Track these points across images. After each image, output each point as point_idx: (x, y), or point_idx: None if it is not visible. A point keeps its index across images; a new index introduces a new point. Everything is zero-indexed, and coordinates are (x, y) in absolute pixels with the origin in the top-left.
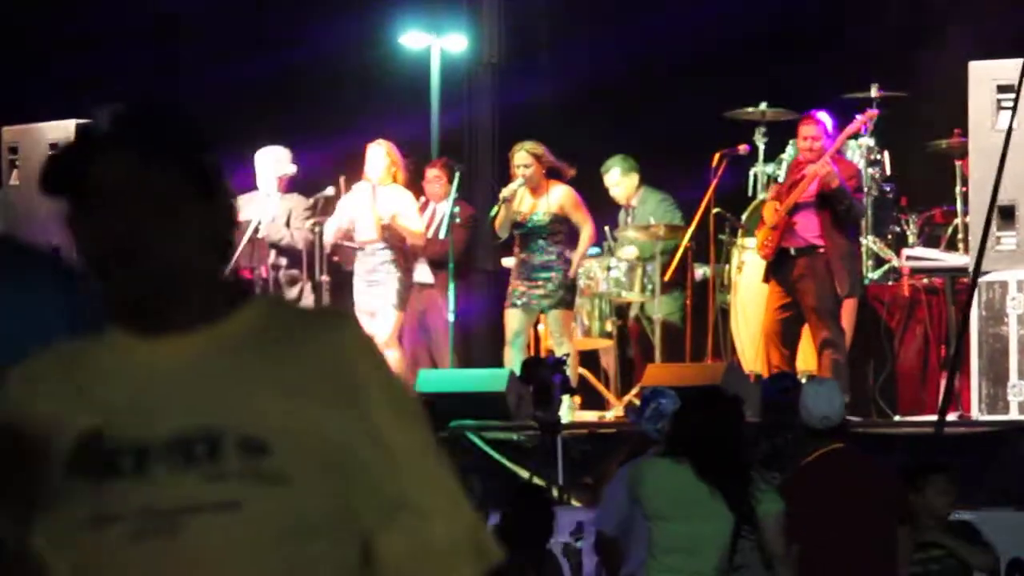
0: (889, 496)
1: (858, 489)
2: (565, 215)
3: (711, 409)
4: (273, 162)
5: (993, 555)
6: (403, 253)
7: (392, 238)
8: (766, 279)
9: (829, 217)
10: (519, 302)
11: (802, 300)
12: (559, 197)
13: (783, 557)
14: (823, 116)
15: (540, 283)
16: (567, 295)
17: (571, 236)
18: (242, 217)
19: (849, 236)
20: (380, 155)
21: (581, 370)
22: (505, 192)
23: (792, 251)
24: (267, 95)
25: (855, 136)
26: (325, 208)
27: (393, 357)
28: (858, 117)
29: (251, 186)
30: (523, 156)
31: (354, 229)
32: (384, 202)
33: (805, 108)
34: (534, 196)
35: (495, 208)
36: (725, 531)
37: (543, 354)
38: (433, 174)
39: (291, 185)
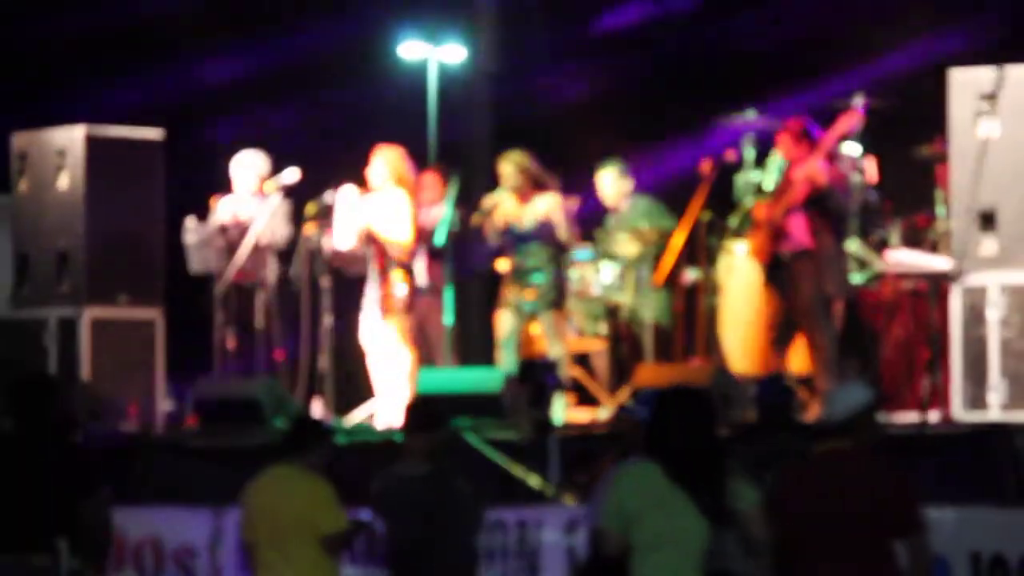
0: (886, 500)
1: (849, 488)
2: (550, 220)
3: (682, 409)
4: (253, 166)
5: None
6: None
7: (374, 244)
8: (766, 282)
9: (817, 219)
10: (510, 305)
11: (793, 303)
12: (546, 204)
13: (764, 544)
14: (800, 122)
15: (529, 285)
16: (556, 296)
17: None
18: (230, 217)
19: (836, 237)
20: (379, 162)
21: (574, 370)
22: (485, 204)
23: (783, 256)
24: (266, 104)
25: (846, 137)
26: (325, 215)
27: (407, 359)
28: (841, 118)
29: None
30: (507, 167)
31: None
32: (368, 208)
33: (791, 115)
34: (521, 203)
35: (474, 219)
36: (707, 526)
37: (537, 356)
38: (428, 180)
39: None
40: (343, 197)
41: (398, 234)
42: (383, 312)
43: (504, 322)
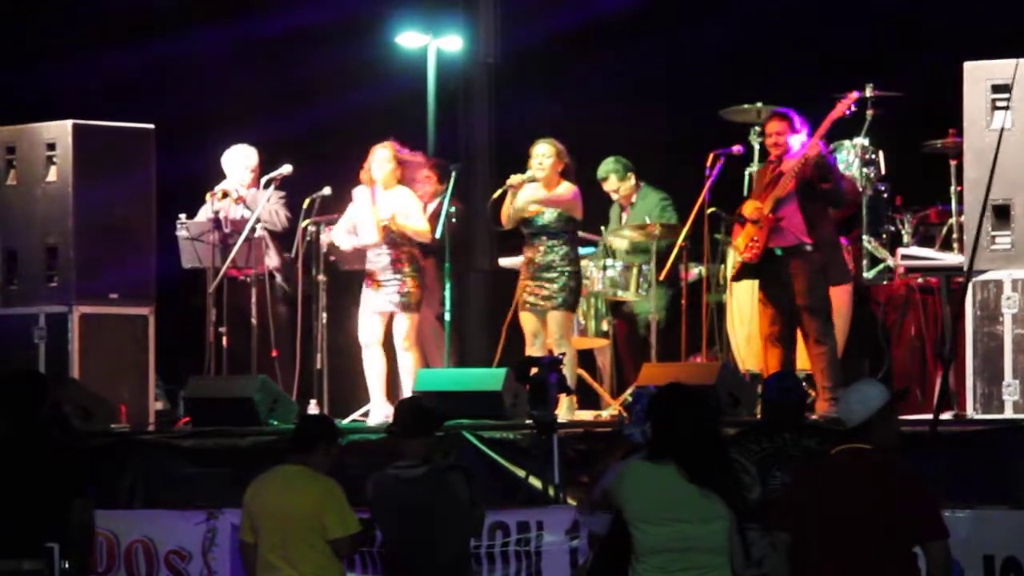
0: (905, 503)
1: (867, 490)
2: (572, 214)
3: (682, 409)
4: (243, 159)
5: None
6: (412, 254)
7: (396, 239)
8: (739, 277)
9: (812, 209)
10: (528, 304)
11: (794, 299)
12: (563, 193)
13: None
14: (788, 113)
15: (544, 284)
16: (570, 297)
17: (578, 236)
18: (222, 212)
19: (831, 226)
20: (386, 158)
21: (577, 370)
22: (512, 180)
23: (778, 251)
24: (262, 96)
25: (849, 136)
26: (322, 208)
27: (410, 359)
28: (839, 103)
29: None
30: (545, 147)
31: (357, 233)
32: (384, 203)
33: (800, 108)
34: (547, 190)
35: (497, 192)
36: (718, 530)
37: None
38: (423, 174)
39: (269, 181)
40: (358, 196)
41: (415, 223)
42: (399, 308)
43: (526, 322)
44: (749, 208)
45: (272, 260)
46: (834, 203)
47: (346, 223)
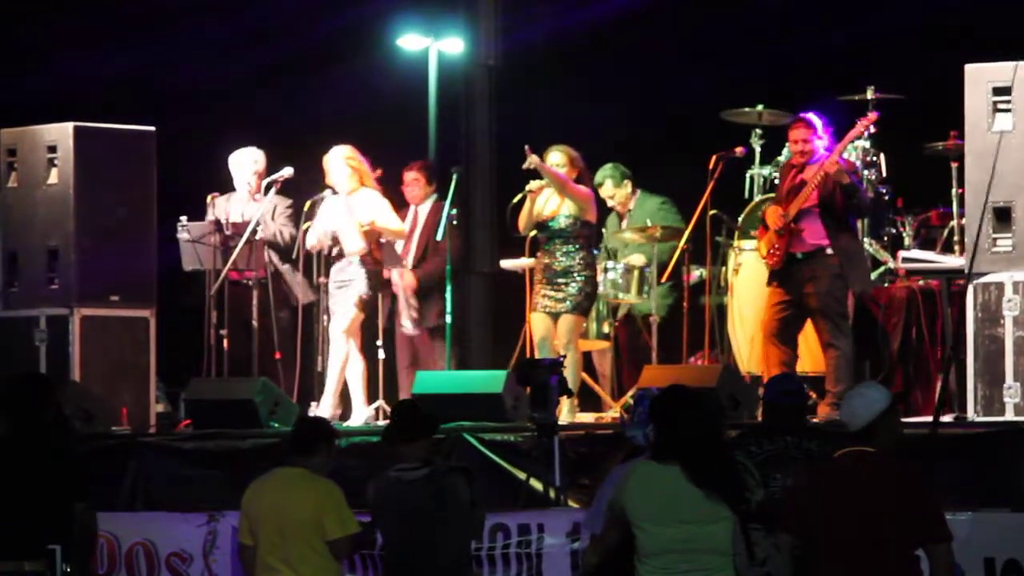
0: (909, 506)
1: (871, 492)
2: (586, 218)
3: (685, 410)
4: (251, 163)
5: None
6: (371, 253)
7: (371, 241)
8: (770, 282)
9: (833, 219)
10: (541, 306)
11: (809, 303)
12: (581, 188)
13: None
14: (813, 118)
15: (560, 287)
16: (584, 302)
17: (593, 241)
18: (233, 218)
19: (853, 235)
20: (339, 164)
21: (581, 374)
22: (531, 185)
23: (799, 255)
24: (264, 97)
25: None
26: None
27: (349, 347)
28: (860, 121)
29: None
30: (559, 155)
31: (339, 242)
32: (359, 210)
33: (801, 111)
34: (560, 197)
35: (517, 197)
36: (722, 531)
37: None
38: (411, 177)
39: (269, 185)
40: (328, 204)
41: (394, 224)
42: (358, 310)
43: (536, 325)
44: (772, 216)
45: (265, 275)
46: (855, 214)
47: (319, 228)
